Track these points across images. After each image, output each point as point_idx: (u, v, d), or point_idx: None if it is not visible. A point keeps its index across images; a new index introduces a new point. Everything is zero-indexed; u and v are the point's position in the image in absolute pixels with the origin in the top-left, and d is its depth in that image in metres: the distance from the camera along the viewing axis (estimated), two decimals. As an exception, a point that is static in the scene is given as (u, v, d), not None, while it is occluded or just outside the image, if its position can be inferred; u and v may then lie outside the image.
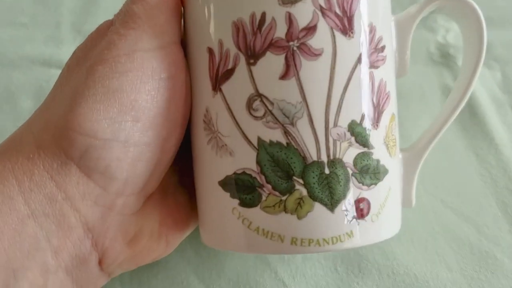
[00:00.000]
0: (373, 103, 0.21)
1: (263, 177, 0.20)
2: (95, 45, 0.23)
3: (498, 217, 0.28)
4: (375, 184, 0.21)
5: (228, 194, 0.21)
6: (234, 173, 0.21)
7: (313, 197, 0.20)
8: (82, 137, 0.20)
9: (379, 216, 0.21)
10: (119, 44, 0.21)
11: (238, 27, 0.20)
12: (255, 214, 0.20)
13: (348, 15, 0.20)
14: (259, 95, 0.20)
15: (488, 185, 0.30)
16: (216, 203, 0.22)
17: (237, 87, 0.20)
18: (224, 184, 0.21)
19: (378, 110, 0.21)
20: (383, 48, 0.22)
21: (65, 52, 0.38)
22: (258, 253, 0.22)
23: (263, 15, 0.20)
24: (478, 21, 0.24)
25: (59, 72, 0.35)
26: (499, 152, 0.31)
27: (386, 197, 0.21)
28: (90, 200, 0.21)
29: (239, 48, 0.20)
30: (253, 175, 0.20)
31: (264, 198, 0.20)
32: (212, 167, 0.22)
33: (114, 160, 0.20)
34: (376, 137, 0.21)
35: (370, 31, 0.21)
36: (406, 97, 0.34)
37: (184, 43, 0.23)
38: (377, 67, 0.21)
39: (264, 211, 0.20)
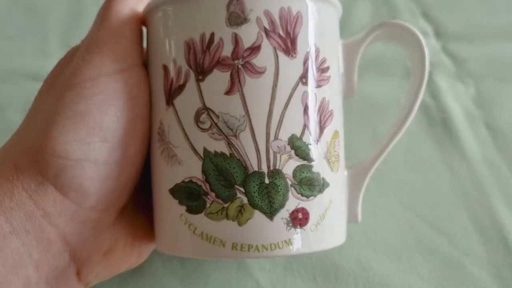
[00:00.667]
0: (314, 119, 0.22)
1: (207, 185, 0.22)
2: (63, 71, 0.24)
3: (468, 229, 0.30)
4: (315, 196, 0.22)
5: (177, 201, 0.22)
6: (183, 181, 0.22)
7: (253, 205, 0.21)
8: (55, 159, 0.21)
9: (319, 227, 0.22)
10: (84, 70, 0.23)
11: (189, 46, 0.22)
12: (200, 220, 0.22)
13: (292, 36, 0.22)
14: (206, 109, 0.22)
15: (460, 198, 0.31)
16: (167, 209, 0.23)
17: (187, 101, 0.22)
18: (174, 191, 0.22)
19: (320, 126, 0.23)
20: (327, 68, 0.23)
21: (53, 65, 0.38)
22: (202, 257, 0.23)
23: (212, 35, 0.22)
24: (420, 46, 0.26)
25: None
26: (471, 166, 0.32)
27: (327, 209, 0.23)
28: (66, 216, 0.22)
29: (189, 65, 0.22)
30: (199, 183, 0.22)
31: (208, 205, 0.22)
32: (164, 176, 0.23)
33: (87, 178, 0.22)
34: (316, 152, 0.22)
35: (314, 52, 0.22)
36: (383, 110, 0.35)
37: (146, 62, 0.25)
38: (320, 86, 0.23)
39: (208, 218, 0.22)
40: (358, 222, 0.26)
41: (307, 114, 0.22)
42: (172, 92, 0.22)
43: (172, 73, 0.22)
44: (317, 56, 0.23)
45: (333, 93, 0.24)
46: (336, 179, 0.23)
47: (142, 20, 0.25)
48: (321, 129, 0.23)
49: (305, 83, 0.22)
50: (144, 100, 0.24)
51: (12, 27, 0.42)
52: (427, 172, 0.32)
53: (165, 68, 0.23)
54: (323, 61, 0.23)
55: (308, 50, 0.22)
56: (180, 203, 0.22)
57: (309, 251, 0.22)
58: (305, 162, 0.22)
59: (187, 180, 0.22)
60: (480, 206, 0.30)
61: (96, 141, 0.22)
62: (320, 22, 0.23)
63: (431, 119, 0.35)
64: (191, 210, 0.22)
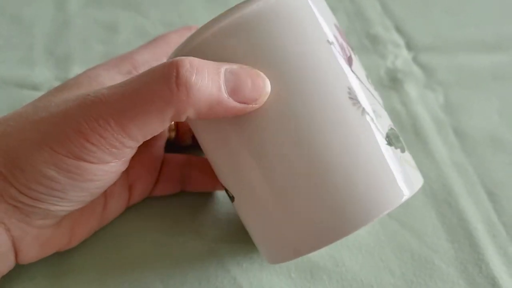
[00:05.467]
0: None
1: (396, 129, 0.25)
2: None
3: (437, 227, 0.31)
4: None
5: (393, 147, 0.24)
6: (389, 129, 0.24)
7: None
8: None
9: None
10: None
11: (338, 28, 0.25)
12: (409, 156, 0.25)
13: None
14: (366, 75, 0.26)
15: (429, 199, 0.32)
16: (390, 161, 0.23)
17: (359, 70, 0.25)
18: (389, 140, 0.24)
19: None
20: None
21: (38, 73, 0.40)
22: (420, 185, 0.25)
23: (337, 23, 0.26)
24: None
25: (31, 93, 0.37)
26: (439, 169, 0.34)
27: None
28: (14, 219, 0.24)
29: (346, 42, 0.25)
30: (394, 128, 0.25)
31: (403, 142, 0.25)
32: (373, 133, 0.23)
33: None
34: None
35: None
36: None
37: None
38: None
39: (409, 153, 0.26)
40: None
41: None
42: (348, 61, 0.24)
43: (338, 46, 0.24)
44: None
45: None
46: None
47: None
48: None
49: None
50: None
51: (-2, 37, 0.43)
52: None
53: (331, 43, 0.24)
54: None
55: None
56: (396, 147, 0.24)
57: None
58: None
59: (389, 128, 0.24)
60: (448, 206, 0.32)
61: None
62: None
63: (402, 125, 0.37)
64: (403, 149, 0.25)
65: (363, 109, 0.23)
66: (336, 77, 0.23)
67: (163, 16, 0.45)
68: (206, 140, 0.26)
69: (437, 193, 0.33)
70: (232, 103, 0.22)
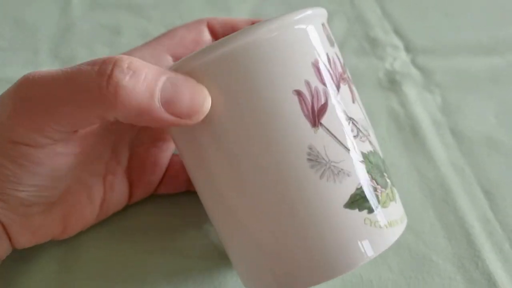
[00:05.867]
0: None
1: (374, 181, 0.24)
2: None
3: (434, 225, 0.32)
4: None
5: (356, 211, 0.23)
6: (356, 189, 0.23)
7: (391, 184, 0.25)
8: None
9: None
10: None
11: (317, 67, 0.23)
12: (380, 213, 0.23)
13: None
14: (350, 119, 0.23)
15: (427, 197, 0.33)
16: (344, 227, 0.23)
17: (335, 117, 0.23)
18: (351, 203, 0.23)
19: None
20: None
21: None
22: (389, 245, 0.24)
23: (327, 55, 0.23)
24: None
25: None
26: (437, 168, 0.35)
27: None
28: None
29: (324, 84, 0.22)
30: (369, 183, 0.23)
31: (380, 197, 0.24)
32: (333, 196, 0.22)
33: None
34: None
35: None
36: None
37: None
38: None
39: (383, 207, 0.24)
40: None
41: None
42: (317, 113, 0.22)
43: (309, 95, 0.22)
44: None
45: None
46: None
47: None
48: None
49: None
50: None
51: (3, 39, 0.44)
52: (397, 175, 0.34)
53: (299, 93, 0.22)
54: None
55: None
56: (361, 209, 0.23)
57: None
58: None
59: (359, 186, 0.23)
60: (445, 205, 0.33)
61: None
62: None
63: (400, 126, 0.37)
64: (371, 210, 0.23)
65: (323, 171, 0.22)
66: (294, 135, 0.22)
67: (164, 18, 0.46)
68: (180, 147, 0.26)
69: (435, 192, 0.33)
70: (163, 114, 0.21)
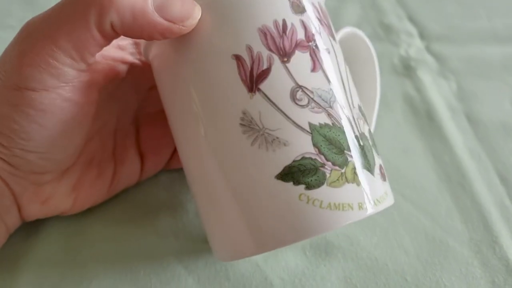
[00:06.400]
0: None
1: (322, 156, 0.22)
2: None
3: (451, 209, 0.31)
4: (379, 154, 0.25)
5: (290, 183, 0.21)
6: (293, 161, 0.21)
7: (362, 165, 0.22)
8: None
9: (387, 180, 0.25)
10: None
11: (264, 32, 0.22)
12: (324, 192, 0.21)
13: (330, 24, 0.25)
14: (300, 87, 0.22)
15: (443, 181, 0.33)
16: (277, 197, 0.22)
17: (277, 83, 0.22)
18: (284, 174, 0.21)
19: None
20: None
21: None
22: (333, 228, 0.22)
23: (284, 21, 0.22)
24: (371, 55, 0.30)
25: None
26: (453, 153, 0.34)
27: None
28: (7, 172, 0.25)
29: (270, 50, 0.22)
30: (313, 157, 0.21)
31: (328, 175, 0.21)
32: (264, 165, 0.22)
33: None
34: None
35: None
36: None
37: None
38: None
39: (331, 186, 0.21)
40: None
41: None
42: (255, 79, 0.22)
43: (249, 60, 0.22)
44: None
45: None
46: None
47: None
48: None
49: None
50: None
51: (13, 17, 0.43)
52: (413, 158, 0.34)
53: (238, 57, 0.22)
54: None
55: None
56: (296, 183, 0.21)
57: (392, 202, 0.24)
58: (368, 127, 0.25)
59: (298, 158, 0.21)
60: (462, 189, 0.32)
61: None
62: None
63: (416, 110, 0.37)
64: (312, 186, 0.21)
65: (255, 138, 0.22)
66: (230, 99, 0.22)
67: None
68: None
69: (451, 176, 0.33)
70: (157, 18, 0.22)
